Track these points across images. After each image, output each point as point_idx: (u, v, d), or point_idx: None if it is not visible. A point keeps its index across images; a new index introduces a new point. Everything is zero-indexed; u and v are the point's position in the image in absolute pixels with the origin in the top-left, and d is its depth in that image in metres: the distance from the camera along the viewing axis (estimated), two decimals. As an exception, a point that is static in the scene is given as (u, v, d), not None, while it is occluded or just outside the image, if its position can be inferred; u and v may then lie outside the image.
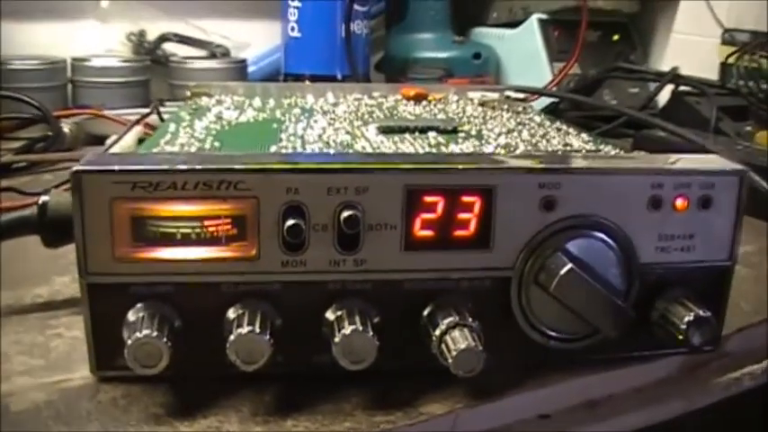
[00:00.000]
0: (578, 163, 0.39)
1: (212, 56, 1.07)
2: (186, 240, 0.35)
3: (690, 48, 1.09)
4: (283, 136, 0.49)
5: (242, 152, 0.44)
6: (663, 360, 0.43)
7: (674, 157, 0.42)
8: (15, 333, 0.42)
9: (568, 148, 0.49)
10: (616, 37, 1.10)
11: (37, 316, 0.45)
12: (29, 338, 0.42)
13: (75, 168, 0.35)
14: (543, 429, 0.39)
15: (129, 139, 0.72)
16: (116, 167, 0.35)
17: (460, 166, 0.37)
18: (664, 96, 0.98)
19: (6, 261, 0.52)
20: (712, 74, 1.00)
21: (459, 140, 0.49)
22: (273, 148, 0.45)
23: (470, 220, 0.37)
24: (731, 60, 0.94)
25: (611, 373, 0.41)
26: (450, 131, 0.53)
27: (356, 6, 0.97)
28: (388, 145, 0.47)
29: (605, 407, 0.41)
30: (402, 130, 0.52)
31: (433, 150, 0.46)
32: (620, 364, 0.41)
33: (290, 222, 0.35)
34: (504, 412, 0.38)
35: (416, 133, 0.51)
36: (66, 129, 0.83)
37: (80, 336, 0.41)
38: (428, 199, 0.36)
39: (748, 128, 0.84)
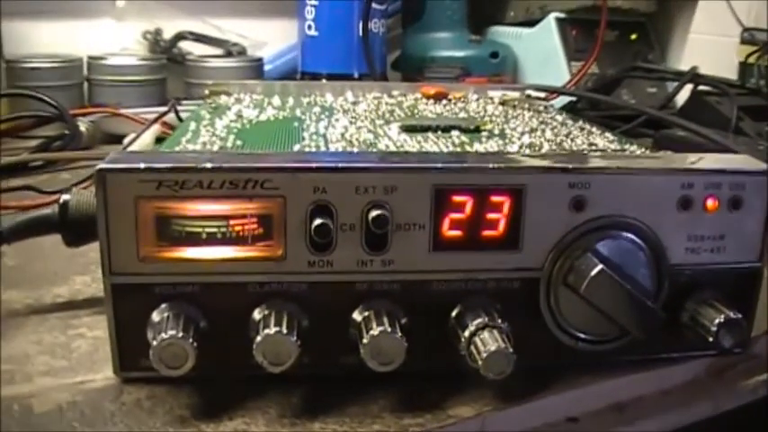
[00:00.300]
0: (608, 163, 0.38)
1: (228, 54, 1.07)
2: (212, 240, 0.35)
3: (708, 47, 1.08)
4: (306, 135, 0.49)
5: (267, 151, 0.44)
6: (690, 362, 0.42)
7: (703, 156, 0.41)
8: (36, 333, 0.42)
9: (593, 147, 0.48)
10: (634, 36, 1.09)
11: (58, 316, 0.44)
12: (50, 338, 0.41)
13: (99, 166, 0.34)
14: (571, 433, 0.39)
15: (147, 138, 0.71)
16: (141, 165, 0.34)
17: (490, 166, 0.36)
18: (681, 96, 0.97)
19: (25, 261, 0.52)
20: (730, 74, 1.00)
21: (483, 139, 0.49)
22: (297, 147, 0.45)
23: (499, 220, 0.36)
24: (751, 60, 0.94)
25: (639, 375, 0.41)
26: (473, 130, 0.52)
27: (374, 5, 0.96)
28: (411, 144, 0.47)
29: (633, 410, 0.40)
30: (425, 129, 0.51)
31: (458, 149, 0.46)
32: (648, 367, 0.41)
33: (318, 222, 0.34)
34: (531, 415, 0.38)
35: (439, 132, 0.51)
36: (82, 127, 0.83)
37: (102, 336, 0.41)
38: (457, 199, 0.36)
39: (769, 128, 0.83)
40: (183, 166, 0.34)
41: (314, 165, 0.35)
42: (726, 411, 0.43)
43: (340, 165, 0.35)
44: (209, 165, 0.34)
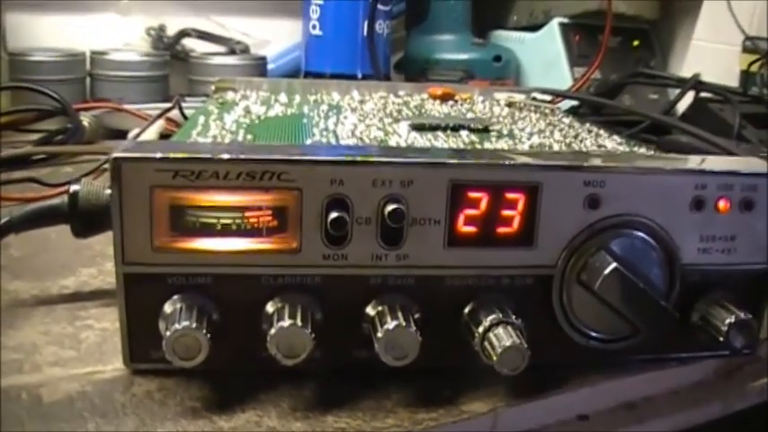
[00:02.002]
0: (623, 162, 0.38)
1: (232, 52, 1.07)
2: (226, 231, 0.35)
3: (709, 55, 1.08)
4: (316, 131, 0.49)
5: (283, 143, 0.44)
6: (698, 363, 0.42)
7: (716, 158, 0.41)
8: (44, 324, 0.42)
9: (603, 149, 0.48)
10: (636, 43, 1.09)
11: (65, 307, 0.44)
12: (58, 329, 0.41)
13: (115, 155, 0.34)
14: (582, 430, 0.39)
15: (151, 133, 0.72)
16: (158, 155, 0.34)
17: (506, 163, 0.36)
18: (683, 104, 0.97)
19: (31, 252, 0.51)
20: (731, 82, 1.00)
21: (493, 139, 0.49)
22: (308, 143, 0.45)
23: (514, 217, 0.36)
24: (754, 68, 0.94)
25: (649, 374, 0.41)
26: (482, 130, 0.52)
27: (379, 6, 0.96)
28: (421, 142, 0.47)
29: (644, 409, 0.40)
30: (434, 128, 0.51)
31: (468, 148, 0.46)
32: (658, 366, 0.41)
33: (334, 215, 0.34)
34: (543, 412, 0.38)
35: (449, 131, 0.51)
36: (84, 122, 0.83)
37: (110, 327, 0.41)
38: (472, 195, 0.36)
39: (771, 136, 0.83)
40: (200, 156, 0.34)
41: (331, 158, 0.35)
42: (735, 412, 0.43)
43: (357, 158, 0.35)
44: (225, 155, 0.34)
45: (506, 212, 0.36)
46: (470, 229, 0.36)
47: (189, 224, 0.35)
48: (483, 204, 0.36)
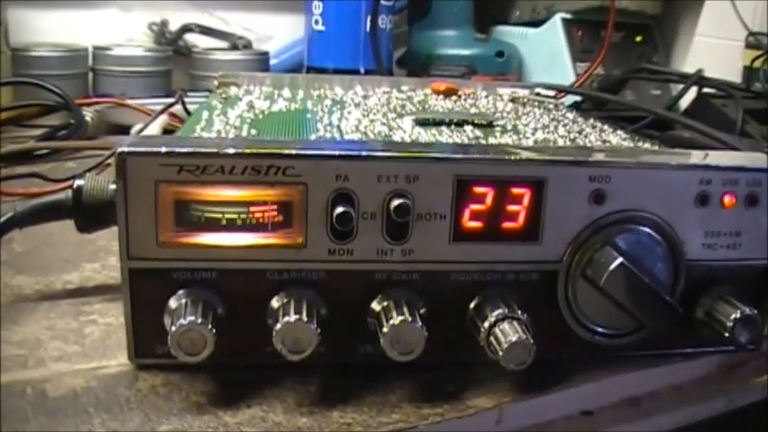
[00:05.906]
0: (629, 158, 0.38)
1: (234, 47, 1.07)
2: (231, 226, 0.35)
3: (712, 51, 1.08)
4: (320, 126, 0.48)
5: (288, 138, 0.44)
6: (702, 359, 0.42)
7: (721, 153, 0.41)
8: (48, 319, 0.42)
9: (607, 144, 0.48)
10: (639, 38, 1.09)
11: (69, 302, 0.44)
12: (62, 324, 0.41)
13: (119, 150, 0.34)
14: (586, 426, 0.39)
15: (154, 128, 0.72)
16: (163, 149, 0.34)
17: (512, 158, 0.36)
18: (686, 99, 0.97)
19: (34, 247, 0.51)
20: (734, 78, 0.99)
21: (497, 135, 0.49)
22: (313, 137, 0.45)
23: (519, 212, 0.36)
24: (757, 64, 0.94)
25: (653, 370, 0.41)
26: (486, 125, 0.52)
27: (381, 1, 0.96)
28: (426, 137, 0.47)
29: (648, 404, 0.40)
30: (438, 123, 0.51)
31: (473, 143, 0.45)
32: (662, 362, 0.41)
33: (340, 210, 0.34)
34: (548, 407, 0.38)
35: (453, 126, 0.51)
36: (87, 117, 0.83)
37: (114, 322, 0.41)
38: (478, 190, 0.36)
39: (774, 131, 0.83)
40: (205, 150, 0.34)
41: (337, 152, 0.35)
42: (739, 408, 0.43)
43: (363, 153, 0.35)
44: (231, 150, 0.34)
45: (512, 207, 0.36)
46: (476, 224, 0.36)
47: (194, 219, 0.35)
48: (488, 199, 0.36)
